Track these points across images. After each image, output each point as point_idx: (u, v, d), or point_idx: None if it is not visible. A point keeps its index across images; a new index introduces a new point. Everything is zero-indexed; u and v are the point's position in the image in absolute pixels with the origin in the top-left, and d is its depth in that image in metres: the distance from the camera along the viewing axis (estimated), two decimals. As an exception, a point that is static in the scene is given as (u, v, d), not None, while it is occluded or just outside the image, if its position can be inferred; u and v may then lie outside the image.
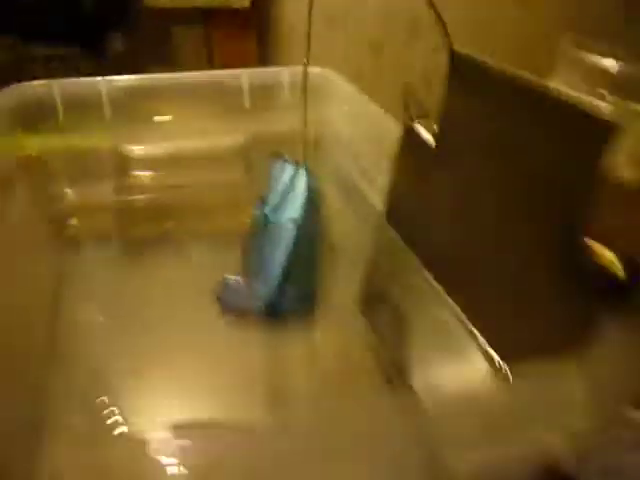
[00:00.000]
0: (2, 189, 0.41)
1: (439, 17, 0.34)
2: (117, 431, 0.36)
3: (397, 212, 0.37)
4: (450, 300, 0.30)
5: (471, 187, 0.29)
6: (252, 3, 0.70)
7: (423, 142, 0.33)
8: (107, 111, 0.48)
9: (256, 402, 0.38)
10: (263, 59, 0.75)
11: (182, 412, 0.37)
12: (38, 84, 0.46)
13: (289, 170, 0.48)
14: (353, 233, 0.47)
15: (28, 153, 0.46)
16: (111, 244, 0.50)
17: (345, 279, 0.47)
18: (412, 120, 0.36)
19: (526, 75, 0.24)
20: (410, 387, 0.34)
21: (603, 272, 0.20)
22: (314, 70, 0.51)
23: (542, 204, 0.23)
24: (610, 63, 0.36)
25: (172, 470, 0.32)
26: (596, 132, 0.20)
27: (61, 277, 0.47)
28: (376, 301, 0.38)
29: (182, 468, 0.33)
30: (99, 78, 0.47)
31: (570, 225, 0.21)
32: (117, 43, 0.71)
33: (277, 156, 0.49)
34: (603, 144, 0.19)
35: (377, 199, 0.42)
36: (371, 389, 0.38)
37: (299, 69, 0.50)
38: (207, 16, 0.72)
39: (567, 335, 0.22)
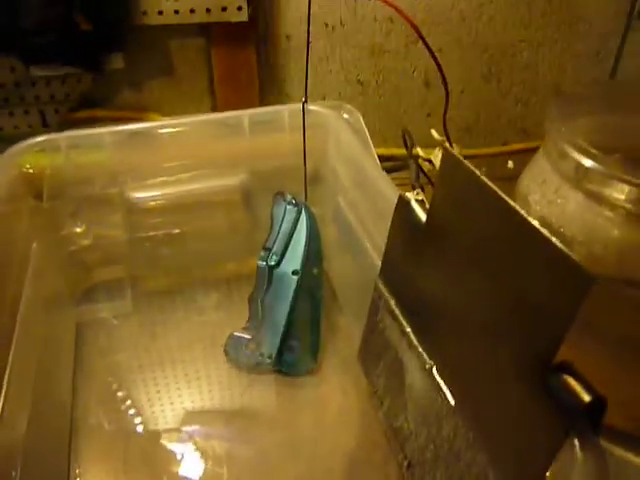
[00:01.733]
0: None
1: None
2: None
3: (389, 274, 0.38)
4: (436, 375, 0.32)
5: (457, 276, 0.30)
6: (250, 17, 0.69)
7: (415, 215, 0.34)
8: (113, 158, 0.49)
9: (257, 447, 0.41)
10: (261, 71, 0.75)
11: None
12: (44, 139, 0.47)
13: (290, 212, 0.49)
14: (352, 281, 0.49)
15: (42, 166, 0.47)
16: (123, 294, 0.52)
17: (347, 327, 0.49)
18: (413, 188, 0.37)
19: (511, 202, 0.25)
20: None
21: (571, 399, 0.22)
22: (313, 109, 0.52)
23: (518, 321, 0.25)
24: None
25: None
26: (577, 281, 0.21)
27: (78, 328, 0.50)
28: (373, 355, 0.40)
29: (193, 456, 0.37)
30: (104, 130, 0.48)
31: (544, 350, 0.23)
32: (117, 61, 0.71)
33: (279, 195, 0.50)
34: (582, 294, 0.21)
35: (371, 249, 0.43)
36: (368, 444, 0.41)
37: (299, 107, 0.51)
38: (206, 31, 0.72)
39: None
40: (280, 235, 0.48)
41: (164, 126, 0.50)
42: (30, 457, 0.33)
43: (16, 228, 0.44)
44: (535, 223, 0.23)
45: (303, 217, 0.49)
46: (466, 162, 0.28)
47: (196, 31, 0.73)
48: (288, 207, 0.49)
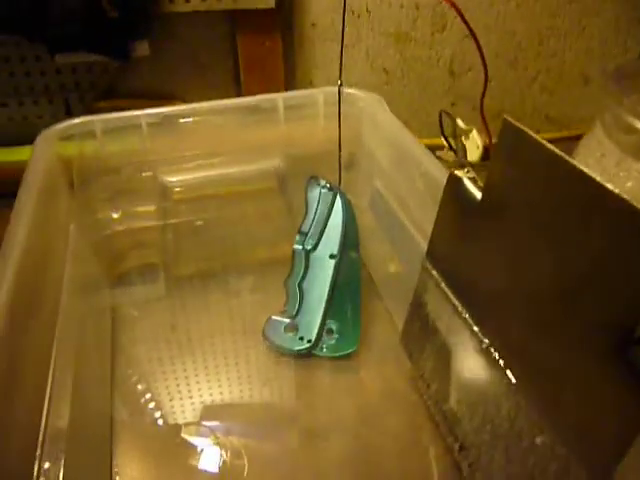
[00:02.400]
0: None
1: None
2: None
3: (439, 254, 0.38)
4: (495, 354, 0.31)
5: (519, 250, 0.29)
6: (276, 4, 0.69)
7: (469, 193, 0.34)
8: (146, 141, 0.49)
9: (293, 433, 0.40)
10: (286, 59, 0.74)
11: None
12: (80, 121, 0.47)
13: (325, 196, 0.49)
14: (392, 266, 0.48)
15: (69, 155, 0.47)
16: (158, 279, 0.52)
17: (386, 313, 0.49)
18: (461, 166, 0.36)
19: (585, 169, 0.24)
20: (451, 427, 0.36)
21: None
22: (349, 91, 0.51)
23: (593, 292, 0.24)
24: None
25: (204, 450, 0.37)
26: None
27: (114, 312, 0.50)
28: (418, 338, 0.40)
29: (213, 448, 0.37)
30: (139, 112, 0.47)
31: (626, 321, 0.22)
32: (143, 49, 0.71)
33: (312, 180, 0.50)
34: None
35: (415, 231, 0.43)
36: (413, 427, 0.40)
37: (334, 90, 0.50)
38: (232, 18, 0.71)
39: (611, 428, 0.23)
40: (316, 219, 0.48)
41: (197, 109, 0.49)
42: (73, 447, 0.33)
43: (54, 211, 0.44)
44: (614, 189, 0.23)
45: (338, 201, 0.48)
46: (530, 132, 0.28)
47: (222, 18, 0.72)
48: (323, 191, 0.49)
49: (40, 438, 0.30)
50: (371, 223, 0.50)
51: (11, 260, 0.32)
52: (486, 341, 0.32)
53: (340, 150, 0.50)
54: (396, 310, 0.47)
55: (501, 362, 0.31)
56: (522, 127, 0.28)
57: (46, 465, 0.30)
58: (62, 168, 0.47)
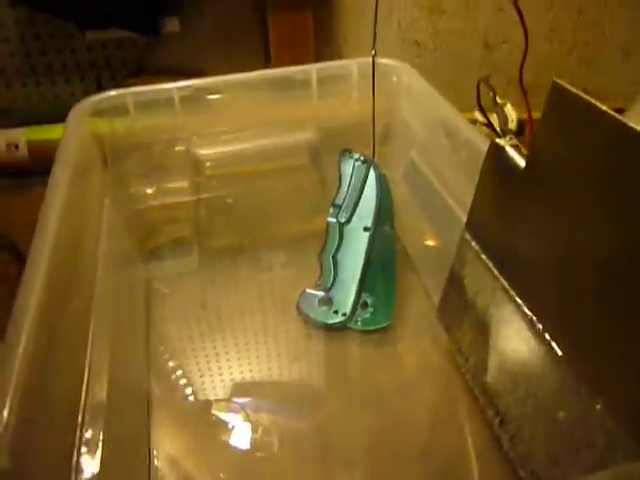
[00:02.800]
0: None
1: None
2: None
3: (479, 225, 0.37)
4: (539, 326, 0.30)
5: (568, 219, 0.28)
6: (307, -24, 0.68)
7: (512, 161, 0.33)
8: (179, 115, 0.48)
9: (324, 408, 0.40)
10: (316, 33, 0.73)
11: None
12: (112, 95, 0.47)
13: (359, 169, 0.48)
14: (428, 239, 0.47)
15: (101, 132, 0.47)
16: (191, 252, 0.52)
17: (421, 286, 0.48)
18: (503, 134, 0.35)
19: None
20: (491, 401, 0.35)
21: None
22: (382, 61, 0.50)
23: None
24: None
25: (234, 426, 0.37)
26: None
27: (147, 286, 0.50)
28: (456, 312, 0.39)
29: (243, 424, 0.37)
30: (171, 85, 0.47)
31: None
32: (173, 25, 0.70)
33: (346, 153, 0.49)
34: None
35: (453, 203, 0.42)
36: (450, 401, 0.39)
37: (368, 61, 0.49)
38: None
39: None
40: (349, 191, 0.47)
41: (230, 81, 0.49)
42: (112, 418, 0.33)
43: (88, 187, 0.44)
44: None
45: (372, 173, 0.47)
46: (584, 95, 0.26)
47: (252, -6, 0.71)
48: (356, 164, 0.48)
49: (81, 409, 0.30)
50: (405, 196, 0.49)
51: (48, 235, 0.32)
52: (530, 314, 0.31)
53: (374, 122, 0.49)
54: (432, 284, 0.47)
55: (546, 335, 0.30)
56: (574, 90, 0.27)
57: (87, 434, 0.30)
58: (95, 143, 0.47)
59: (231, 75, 0.49)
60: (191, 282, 0.50)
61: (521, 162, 0.32)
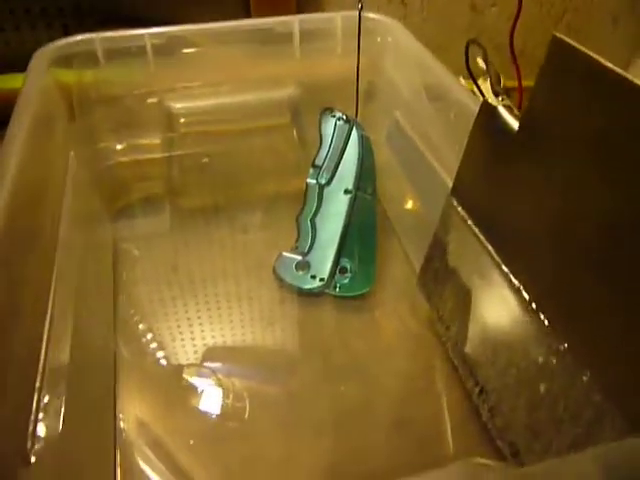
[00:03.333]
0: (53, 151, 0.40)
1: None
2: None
3: (466, 190, 0.35)
4: (526, 295, 0.29)
5: (563, 183, 0.27)
6: None
7: (504, 122, 0.31)
8: (151, 66, 0.45)
9: (299, 375, 0.39)
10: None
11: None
12: (79, 40, 0.43)
13: (341, 128, 0.46)
14: (409, 201, 0.46)
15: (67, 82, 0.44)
16: (163, 211, 0.49)
17: (401, 253, 0.46)
18: (495, 95, 0.33)
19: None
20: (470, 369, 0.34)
21: None
22: (369, 16, 0.47)
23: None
24: None
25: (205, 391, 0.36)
26: None
27: (115, 247, 0.47)
28: (438, 279, 0.37)
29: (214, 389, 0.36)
30: (143, 31, 0.44)
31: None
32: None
33: (327, 111, 0.46)
34: None
35: (438, 166, 0.40)
36: (428, 370, 0.38)
37: (353, 14, 0.47)
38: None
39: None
40: (330, 152, 0.45)
41: (207, 30, 0.46)
42: (75, 383, 0.31)
43: (51, 139, 0.41)
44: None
45: (354, 133, 0.45)
46: (587, 51, 0.25)
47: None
48: (338, 123, 0.46)
49: (39, 371, 0.28)
50: (388, 158, 0.47)
51: (3, 191, 0.29)
52: (517, 282, 0.30)
53: (358, 79, 0.47)
54: (413, 249, 0.45)
55: (533, 304, 0.28)
56: (576, 44, 0.25)
57: (46, 399, 0.28)
58: (60, 94, 0.44)
59: (208, 24, 0.46)
60: (163, 243, 0.48)
61: (514, 123, 0.30)
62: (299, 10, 0.70)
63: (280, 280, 0.43)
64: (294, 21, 0.46)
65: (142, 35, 0.44)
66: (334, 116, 0.46)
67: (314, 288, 0.42)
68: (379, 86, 0.49)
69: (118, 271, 0.46)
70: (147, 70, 0.45)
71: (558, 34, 0.27)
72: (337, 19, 0.47)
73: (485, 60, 0.41)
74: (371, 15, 0.47)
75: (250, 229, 0.49)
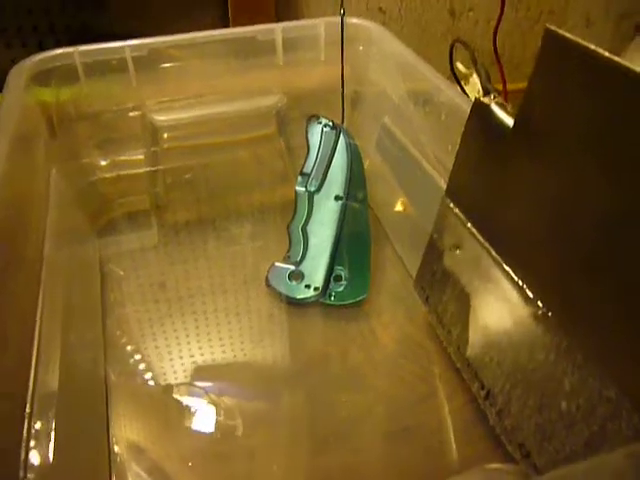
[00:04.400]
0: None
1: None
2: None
3: (462, 190, 0.35)
4: (529, 293, 0.29)
5: (563, 181, 0.26)
6: None
7: (498, 120, 0.31)
8: (133, 79, 0.44)
9: (298, 385, 0.38)
10: (278, 8, 0.69)
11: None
12: (57, 54, 0.42)
13: (328, 135, 0.45)
14: (401, 206, 0.45)
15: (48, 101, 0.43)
16: (149, 227, 0.48)
17: (395, 258, 0.46)
18: (487, 93, 0.33)
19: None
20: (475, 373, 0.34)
21: None
22: (352, 21, 0.47)
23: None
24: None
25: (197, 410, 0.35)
26: None
27: (101, 265, 0.46)
28: (436, 282, 0.37)
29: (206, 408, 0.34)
30: (123, 43, 0.43)
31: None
32: None
33: (313, 119, 0.46)
34: None
35: (429, 169, 0.40)
36: (431, 376, 0.38)
37: (336, 20, 0.46)
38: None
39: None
40: (319, 159, 0.44)
41: (189, 40, 0.45)
42: (66, 408, 0.30)
43: (34, 157, 0.40)
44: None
45: (342, 139, 0.45)
46: (583, 42, 0.24)
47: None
48: (325, 130, 0.45)
49: (29, 397, 0.27)
50: (378, 164, 0.47)
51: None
52: (519, 280, 0.29)
53: (343, 85, 0.46)
54: (407, 254, 0.45)
55: (538, 302, 0.28)
56: (570, 36, 0.25)
57: (37, 425, 0.27)
58: (39, 110, 0.42)
59: (189, 34, 0.45)
60: (149, 260, 0.47)
61: (508, 120, 0.30)
62: (278, 19, 0.70)
63: (274, 291, 0.42)
64: (277, 29, 0.46)
65: (122, 48, 0.43)
66: (320, 123, 0.45)
67: (308, 297, 0.41)
68: (365, 93, 0.49)
69: (105, 291, 0.44)
70: (128, 83, 0.44)
71: (552, 27, 0.26)
72: (320, 26, 0.47)
73: (473, 60, 0.40)
74: (354, 20, 0.47)
75: (239, 240, 0.48)
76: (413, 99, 0.41)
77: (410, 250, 0.43)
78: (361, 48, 0.47)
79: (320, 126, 0.45)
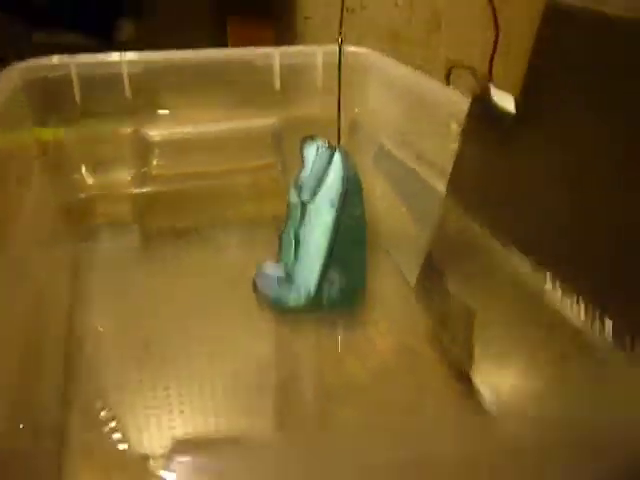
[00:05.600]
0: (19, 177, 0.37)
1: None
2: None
3: (464, 188, 0.33)
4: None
5: (577, 160, 0.25)
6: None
7: (499, 110, 0.30)
8: (127, 92, 0.44)
9: (302, 402, 0.34)
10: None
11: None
12: (54, 61, 0.42)
13: (323, 153, 0.44)
14: (398, 215, 0.43)
15: (45, 139, 0.42)
16: (133, 235, 0.46)
17: (391, 265, 0.43)
18: (484, 89, 0.32)
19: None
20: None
21: None
22: (350, 49, 0.48)
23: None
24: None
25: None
26: None
27: (77, 271, 0.43)
28: (439, 286, 0.34)
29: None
30: (120, 58, 0.43)
31: None
32: (128, 30, 0.67)
33: (309, 138, 0.45)
34: None
35: (436, 181, 0.38)
36: (435, 383, 0.34)
37: (334, 48, 0.47)
38: (223, 2, 0.69)
39: None
40: (313, 172, 0.43)
41: (186, 58, 0.45)
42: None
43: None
44: None
45: (337, 156, 0.43)
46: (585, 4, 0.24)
47: (213, 3, 0.70)
48: (321, 150, 0.44)
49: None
50: (374, 176, 0.46)
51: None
52: (530, 275, 0.27)
53: (339, 106, 0.46)
54: (404, 262, 0.42)
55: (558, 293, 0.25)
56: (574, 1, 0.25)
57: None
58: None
59: (187, 51, 0.45)
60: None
61: (510, 105, 0.29)
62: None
63: (262, 298, 0.39)
64: (275, 53, 0.46)
65: (119, 63, 0.43)
66: (315, 142, 0.44)
67: (299, 305, 0.38)
68: (362, 117, 0.48)
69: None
70: (123, 97, 0.44)
71: (551, -3, 0.26)
72: (318, 52, 0.47)
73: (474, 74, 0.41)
74: (352, 48, 0.47)
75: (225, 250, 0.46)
76: (416, 115, 0.40)
77: (407, 258, 0.41)
78: (360, 74, 0.47)
79: (315, 144, 0.44)
